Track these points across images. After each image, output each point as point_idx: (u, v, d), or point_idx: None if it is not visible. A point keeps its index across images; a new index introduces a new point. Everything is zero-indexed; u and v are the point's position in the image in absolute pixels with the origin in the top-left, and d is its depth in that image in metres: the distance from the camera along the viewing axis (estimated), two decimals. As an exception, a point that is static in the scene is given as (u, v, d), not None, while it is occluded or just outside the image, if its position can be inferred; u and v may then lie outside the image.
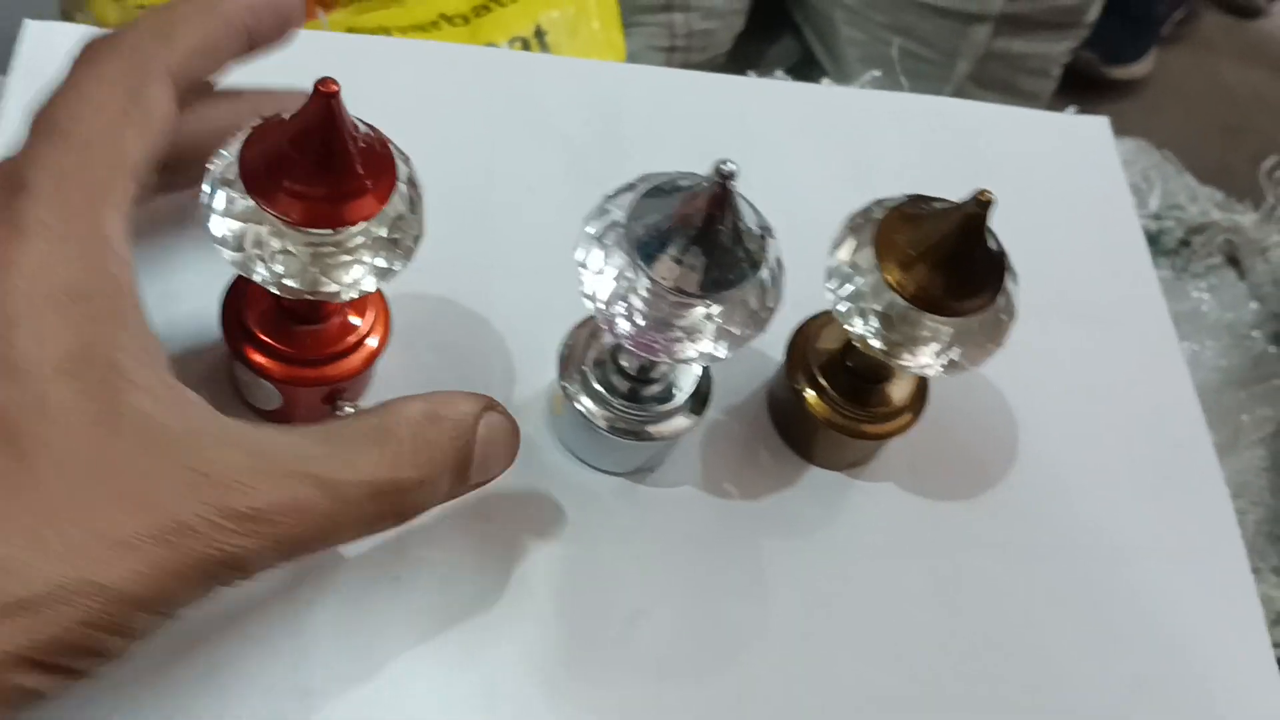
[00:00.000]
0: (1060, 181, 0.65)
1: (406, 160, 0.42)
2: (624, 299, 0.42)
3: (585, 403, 0.48)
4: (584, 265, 0.42)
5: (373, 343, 0.47)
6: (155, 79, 0.39)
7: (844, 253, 0.46)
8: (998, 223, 0.42)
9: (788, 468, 0.53)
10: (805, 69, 1.65)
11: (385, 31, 1.22)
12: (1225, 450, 0.92)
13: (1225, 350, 0.97)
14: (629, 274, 0.41)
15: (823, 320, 0.53)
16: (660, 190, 0.41)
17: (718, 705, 0.46)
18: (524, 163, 0.58)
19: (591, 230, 0.42)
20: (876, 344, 0.46)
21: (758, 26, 1.66)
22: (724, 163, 0.38)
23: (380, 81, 0.58)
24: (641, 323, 0.42)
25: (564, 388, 0.48)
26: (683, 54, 1.55)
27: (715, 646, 0.48)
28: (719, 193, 0.38)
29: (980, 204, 0.42)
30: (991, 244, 0.44)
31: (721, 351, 0.42)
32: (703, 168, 0.39)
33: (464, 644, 0.45)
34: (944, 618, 0.50)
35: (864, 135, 0.64)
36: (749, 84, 0.66)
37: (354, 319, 0.47)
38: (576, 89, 0.61)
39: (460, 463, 0.40)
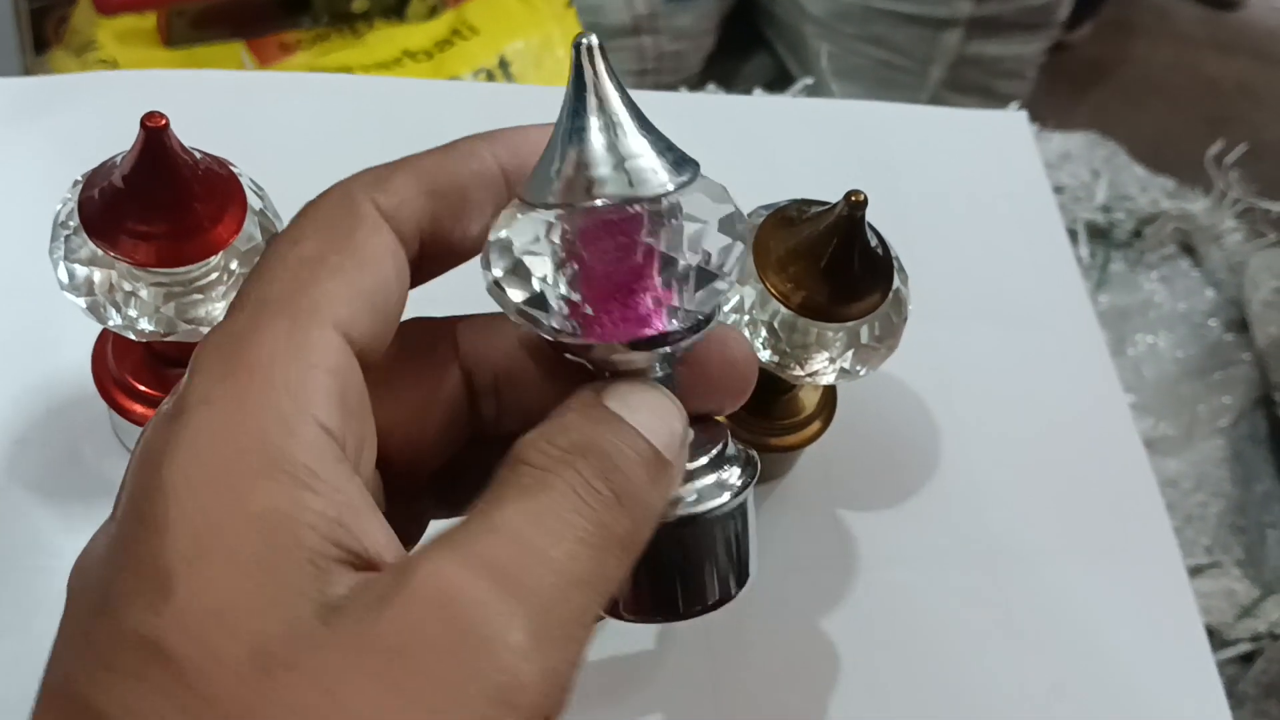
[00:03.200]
0: (980, 178, 0.64)
1: (260, 191, 0.41)
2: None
3: None
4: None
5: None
6: (364, 223, 0.30)
7: (725, 263, 0.44)
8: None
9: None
10: (781, 85, 1.65)
11: (348, 70, 1.22)
12: (1182, 443, 0.90)
13: (1181, 341, 0.95)
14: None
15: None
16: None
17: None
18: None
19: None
20: (765, 356, 0.44)
21: (730, 45, 1.65)
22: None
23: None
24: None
25: None
26: (654, 76, 1.55)
27: (613, 670, 0.46)
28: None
29: (853, 205, 0.40)
30: (874, 244, 0.43)
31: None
32: None
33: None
34: (857, 631, 0.49)
35: (776, 142, 0.63)
36: (652, 98, 0.65)
37: (230, 358, 0.46)
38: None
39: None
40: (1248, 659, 0.77)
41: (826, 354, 0.44)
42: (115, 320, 0.39)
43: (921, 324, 0.57)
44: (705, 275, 0.28)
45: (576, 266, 0.28)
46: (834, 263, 0.42)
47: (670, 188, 0.28)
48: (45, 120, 0.52)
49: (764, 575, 0.49)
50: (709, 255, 0.28)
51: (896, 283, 0.44)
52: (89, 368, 0.45)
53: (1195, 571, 0.83)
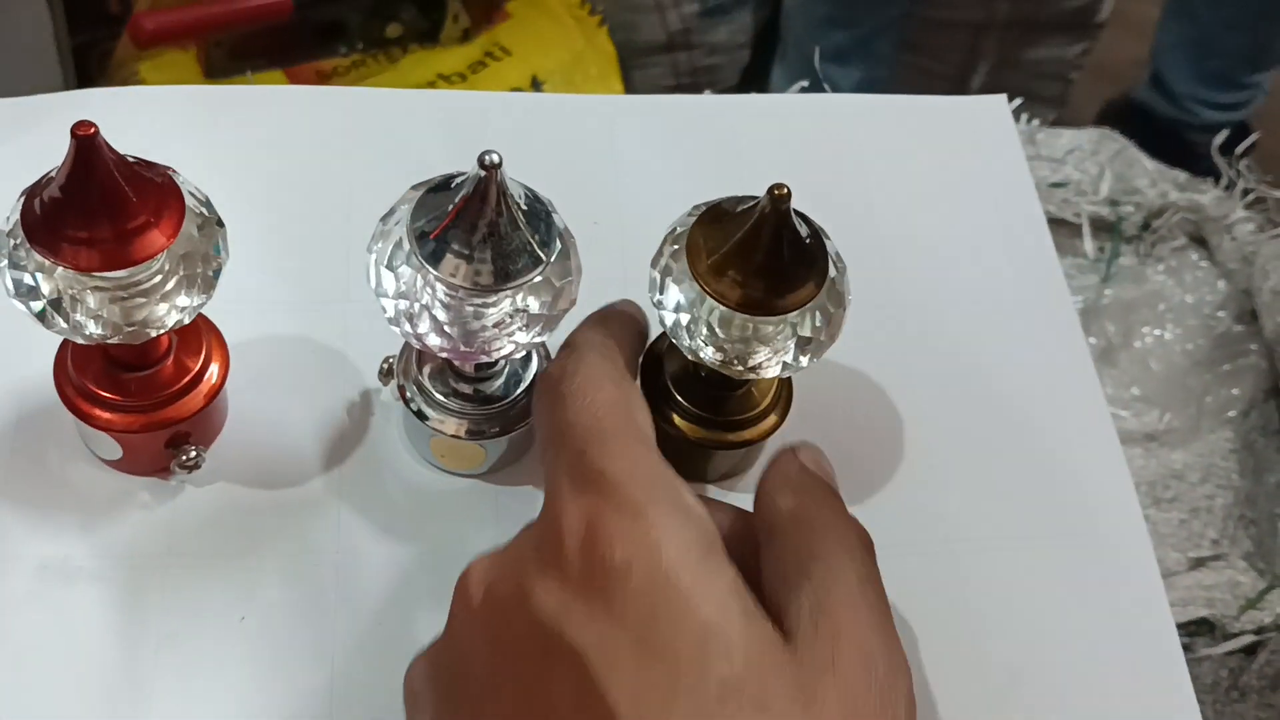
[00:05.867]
0: (959, 164, 0.64)
1: (200, 194, 0.42)
2: (428, 313, 0.41)
3: (429, 412, 0.47)
4: (380, 292, 0.42)
5: (211, 378, 0.47)
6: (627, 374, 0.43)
7: (662, 264, 0.45)
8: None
9: (661, 482, 0.52)
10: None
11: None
12: (1189, 435, 0.89)
13: (1190, 333, 0.94)
14: (423, 284, 0.41)
15: (667, 338, 0.52)
16: (433, 191, 0.41)
17: None
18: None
19: (374, 254, 0.42)
20: (709, 354, 0.45)
21: (765, 56, 1.66)
22: (488, 153, 0.38)
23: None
24: (451, 331, 0.42)
25: (401, 393, 0.48)
26: (690, 91, 1.56)
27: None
28: (486, 184, 0.38)
29: (776, 199, 0.41)
30: (805, 234, 0.43)
31: (540, 337, 0.43)
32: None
33: (311, 684, 0.45)
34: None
35: (748, 138, 0.63)
36: (623, 101, 0.65)
37: (187, 360, 0.47)
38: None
39: None
40: (1251, 651, 0.75)
41: (767, 348, 0.45)
42: (62, 325, 0.41)
43: (888, 313, 0.57)
44: None
45: None
46: (764, 257, 0.42)
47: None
48: (17, 140, 0.54)
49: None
50: None
51: (833, 272, 0.44)
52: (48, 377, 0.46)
53: (1198, 563, 0.82)
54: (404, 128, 0.60)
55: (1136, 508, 0.54)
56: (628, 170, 0.60)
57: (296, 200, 0.57)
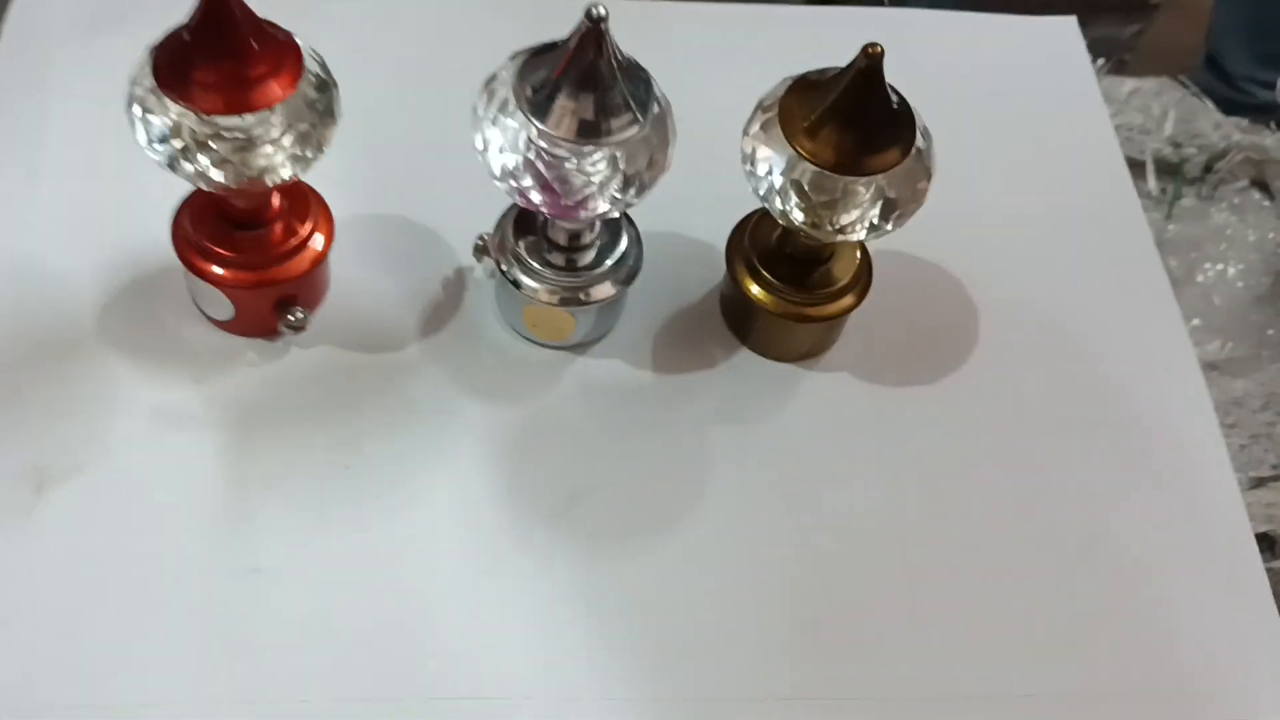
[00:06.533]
0: (1030, 83, 0.65)
1: (317, 56, 0.44)
2: (531, 169, 0.43)
3: (525, 280, 0.49)
4: (484, 149, 0.44)
5: (317, 245, 0.49)
6: None
7: (754, 131, 0.47)
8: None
9: (741, 363, 0.54)
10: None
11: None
12: (1250, 364, 0.90)
13: (1252, 269, 0.94)
14: (528, 138, 0.43)
15: (758, 213, 0.53)
16: (540, 51, 0.43)
17: (647, 587, 0.47)
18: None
19: (481, 111, 0.44)
20: (799, 217, 0.47)
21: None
22: (594, 6, 0.40)
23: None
24: (554, 186, 0.43)
25: (497, 264, 0.50)
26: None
27: (649, 529, 0.49)
28: (591, 34, 0.40)
29: (869, 56, 0.43)
30: (894, 100, 0.45)
31: (636, 197, 0.44)
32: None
33: (410, 528, 0.47)
34: (886, 495, 0.50)
35: (818, 51, 0.64)
36: (689, 9, 0.67)
37: (296, 225, 0.49)
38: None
39: None
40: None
41: (855, 210, 0.46)
42: (187, 169, 0.43)
43: (968, 219, 0.59)
44: None
45: None
46: (855, 117, 0.44)
47: None
48: (121, 29, 0.57)
49: (787, 446, 0.51)
50: None
51: (920, 142, 0.46)
52: (168, 241, 0.48)
53: (1258, 482, 0.83)
54: (496, 28, 0.62)
55: (1202, 384, 0.55)
56: (694, 77, 0.62)
57: (396, 91, 0.59)
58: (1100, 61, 1.03)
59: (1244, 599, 0.50)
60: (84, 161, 0.55)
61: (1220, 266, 0.94)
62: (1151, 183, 0.98)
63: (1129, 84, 1.02)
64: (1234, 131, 0.97)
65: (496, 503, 0.48)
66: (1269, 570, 0.77)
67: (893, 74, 0.44)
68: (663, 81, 0.44)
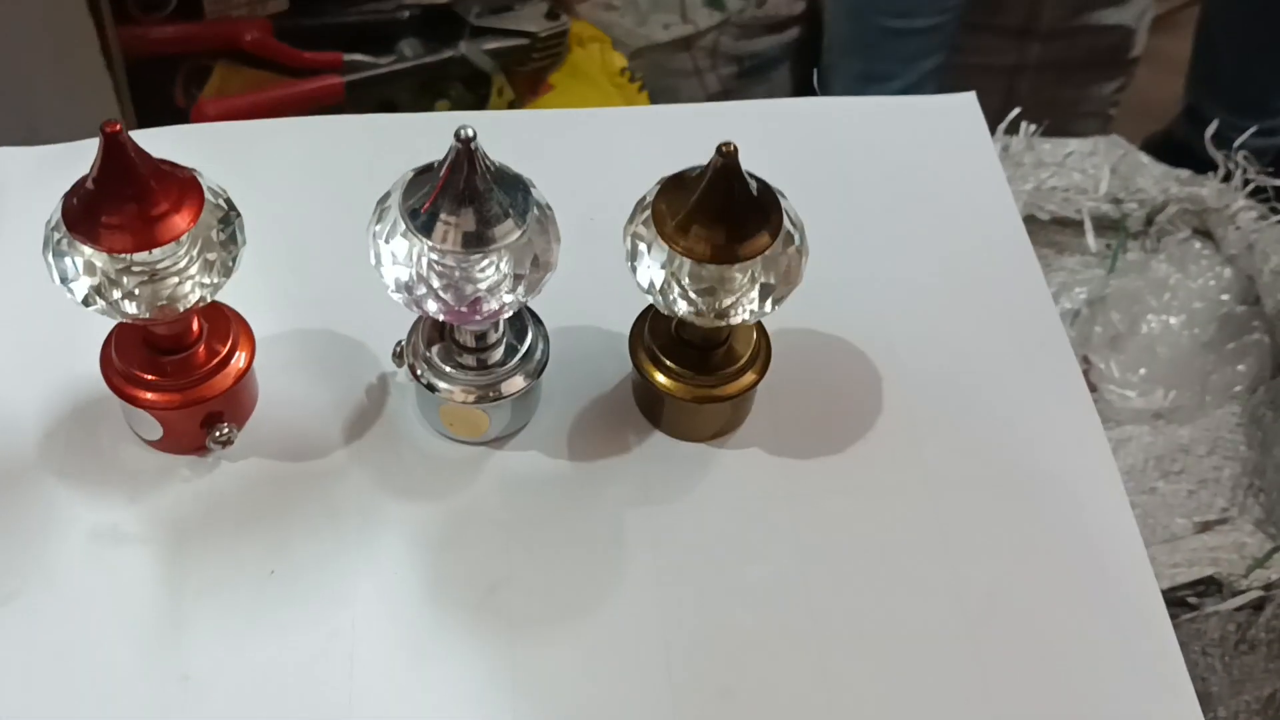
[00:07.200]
0: (932, 162, 0.68)
1: (220, 189, 0.48)
2: (424, 280, 0.47)
3: (438, 383, 0.52)
4: (378, 264, 0.47)
5: (240, 363, 0.52)
6: None
7: (634, 230, 0.50)
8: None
9: (655, 447, 0.56)
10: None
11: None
12: (1195, 411, 0.91)
13: (1195, 318, 0.96)
14: (418, 253, 0.46)
15: (654, 308, 0.56)
16: (422, 171, 0.46)
17: (568, 668, 0.49)
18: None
19: (373, 232, 0.47)
20: (684, 308, 0.49)
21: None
22: (463, 128, 0.43)
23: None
24: (446, 297, 0.47)
25: (412, 370, 0.53)
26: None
27: (568, 613, 0.51)
28: (463, 153, 0.44)
29: (724, 155, 0.46)
30: (755, 188, 0.48)
31: (525, 297, 0.48)
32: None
33: (334, 626, 0.49)
34: (798, 565, 0.52)
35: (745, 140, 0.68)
36: (622, 113, 0.71)
37: (217, 345, 0.52)
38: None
39: None
40: (1259, 607, 0.77)
41: (733, 294, 0.49)
42: (102, 305, 0.46)
43: (870, 291, 0.61)
44: None
45: None
46: (719, 209, 0.47)
47: None
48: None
49: (704, 522, 0.53)
50: None
51: (788, 225, 0.49)
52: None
53: (1204, 527, 0.84)
54: (414, 148, 0.66)
55: (1108, 450, 0.57)
56: (627, 173, 0.65)
57: (317, 215, 0.63)
58: (1033, 128, 1.06)
59: (1150, 654, 0.51)
60: (27, 303, 0.58)
61: (1164, 317, 0.97)
62: (1091, 239, 1.00)
63: (1070, 144, 1.05)
64: (1172, 184, 1.00)
65: (418, 597, 0.50)
66: (1214, 614, 0.79)
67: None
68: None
